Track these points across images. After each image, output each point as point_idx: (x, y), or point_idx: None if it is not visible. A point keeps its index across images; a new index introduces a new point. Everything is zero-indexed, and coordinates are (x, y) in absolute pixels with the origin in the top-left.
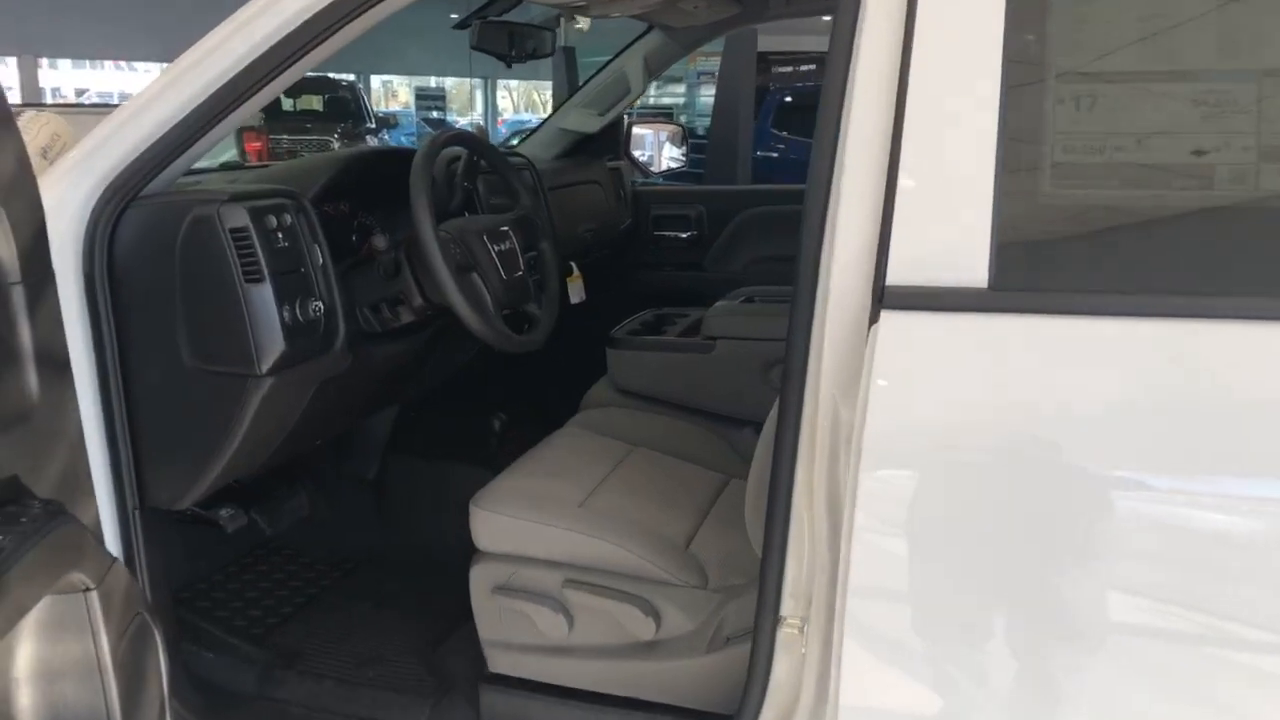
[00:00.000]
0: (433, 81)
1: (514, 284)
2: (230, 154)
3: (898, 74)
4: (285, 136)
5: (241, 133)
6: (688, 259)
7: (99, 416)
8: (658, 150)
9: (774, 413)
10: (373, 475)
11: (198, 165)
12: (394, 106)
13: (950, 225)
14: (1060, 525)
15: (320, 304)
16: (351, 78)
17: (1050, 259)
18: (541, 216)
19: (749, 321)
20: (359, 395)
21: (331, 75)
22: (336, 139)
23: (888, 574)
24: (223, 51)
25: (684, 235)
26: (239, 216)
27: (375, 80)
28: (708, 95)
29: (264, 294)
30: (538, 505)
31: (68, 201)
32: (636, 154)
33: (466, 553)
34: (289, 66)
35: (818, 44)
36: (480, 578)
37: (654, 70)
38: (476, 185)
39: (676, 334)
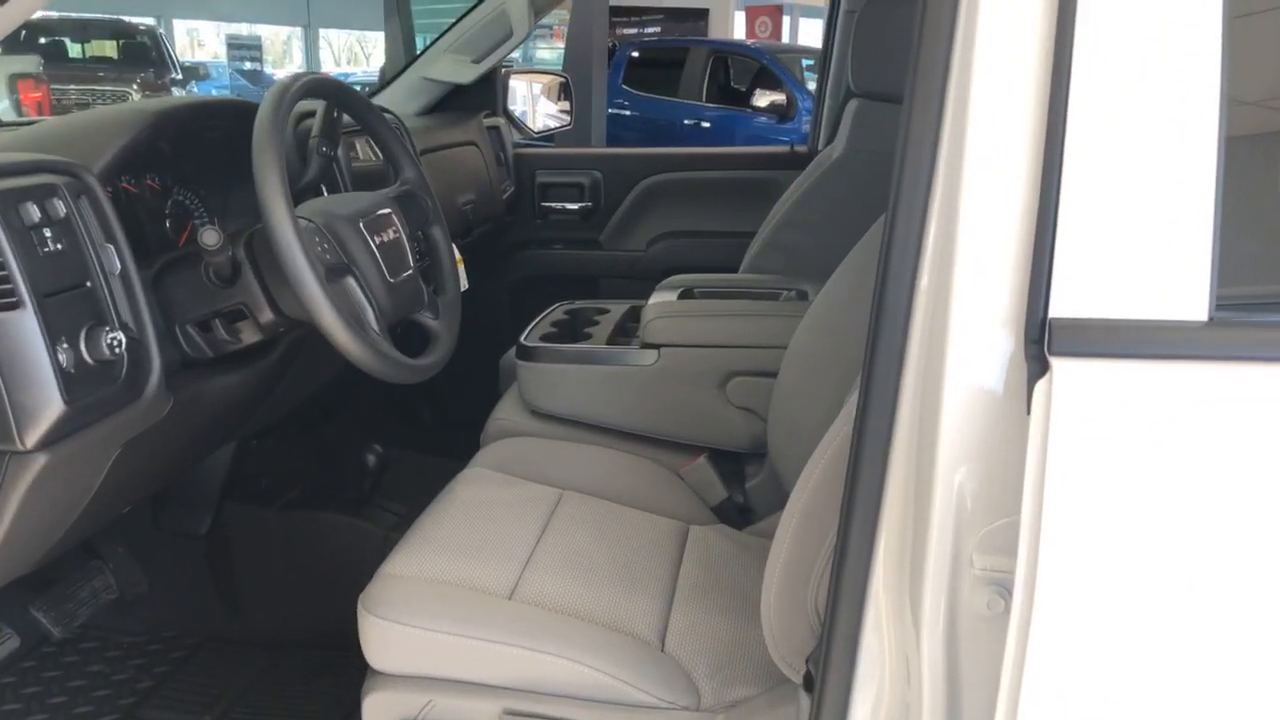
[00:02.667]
0: (245, 30)
1: (403, 288)
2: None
3: (1053, 44)
4: (73, 87)
5: (15, 80)
6: (581, 235)
7: None
8: (536, 105)
9: (809, 475)
10: (204, 530)
11: None
12: (202, 57)
13: (1150, 242)
14: None
15: (120, 335)
16: (151, 21)
17: None
18: (428, 191)
19: (698, 325)
20: (183, 445)
21: (126, 18)
22: (136, 91)
23: None
24: None
25: (575, 207)
26: None
27: (179, 26)
28: (545, 50)
29: (23, 327)
30: (453, 605)
31: None
32: (515, 110)
33: (335, 634)
34: None
35: None
36: (380, 710)
37: (540, 9)
38: (336, 152)
39: (602, 338)
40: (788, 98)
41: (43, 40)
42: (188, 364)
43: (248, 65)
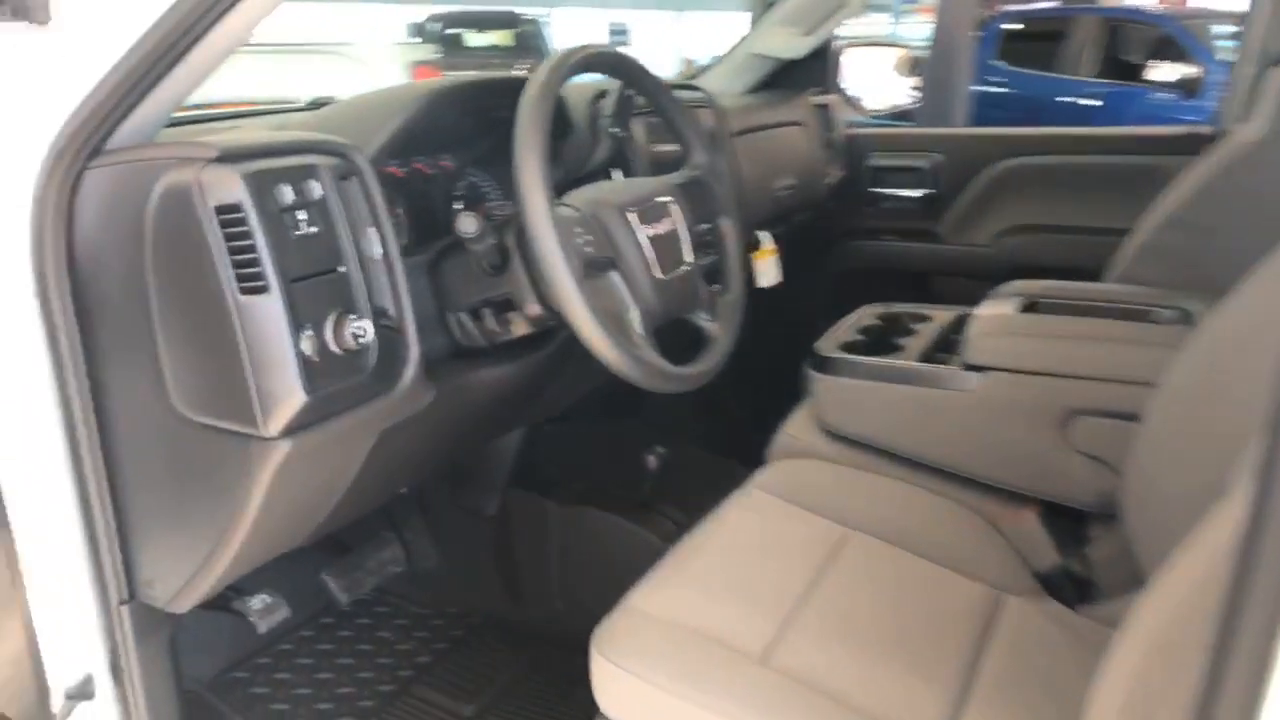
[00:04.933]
0: (618, 16)
1: (675, 286)
2: None
3: None
4: (466, 73)
5: (415, 66)
6: (916, 225)
7: (69, 474)
8: (875, 81)
9: (1181, 558)
10: (493, 511)
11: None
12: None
13: None
14: None
15: (366, 324)
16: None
17: None
18: (722, 178)
19: (1039, 346)
20: (450, 434)
21: (516, 10)
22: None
23: None
24: None
25: (914, 194)
26: (229, 186)
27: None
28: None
29: (269, 311)
30: (694, 661)
31: (7, 160)
32: (850, 87)
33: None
34: None
35: None
36: None
37: None
38: (631, 132)
39: (917, 352)
40: (1195, 70)
41: (447, 31)
42: (459, 353)
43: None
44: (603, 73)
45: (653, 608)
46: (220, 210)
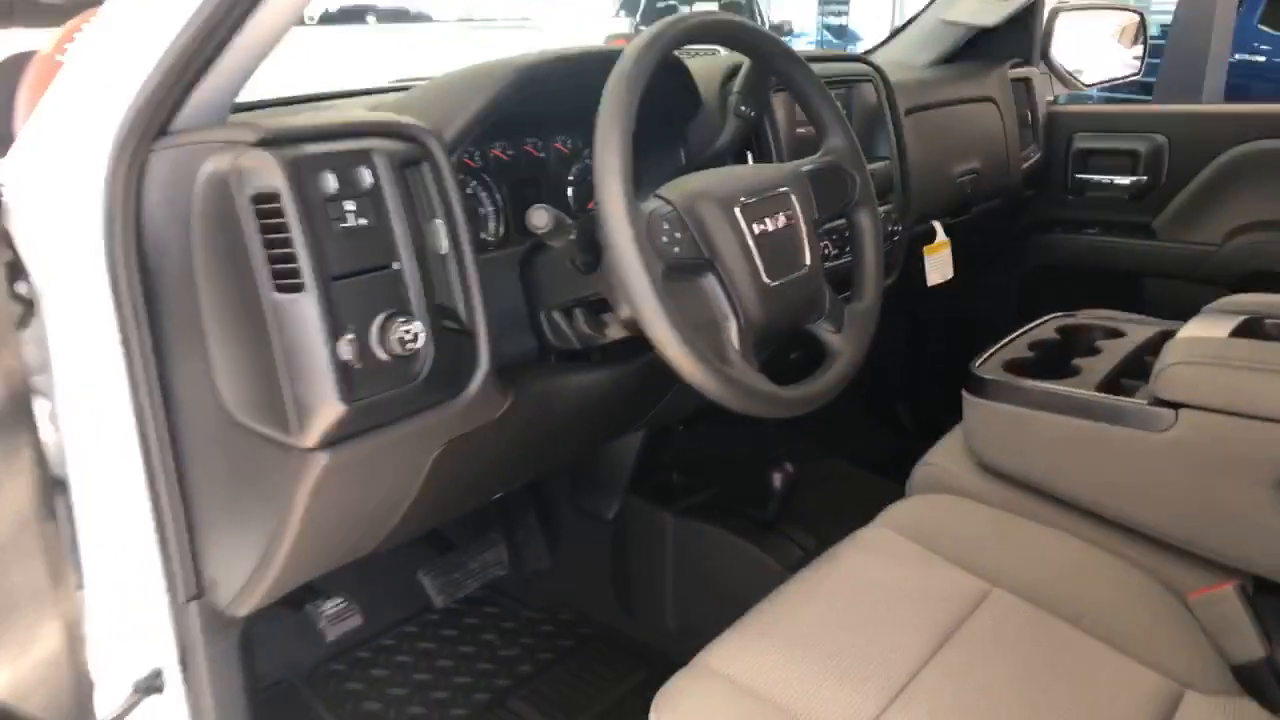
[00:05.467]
0: None
1: (787, 293)
2: None
3: None
4: None
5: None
6: (1128, 218)
7: (140, 467)
8: (1097, 50)
9: None
10: (611, 515)
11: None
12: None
13: None
14: None
15: (417, 327)
16: None
17: None
18: (859, 166)
19: (1254, 382)
20: (541, 443)
21: None
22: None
23: None
24: None
25: (1125, 181)
26: (268, 173)
27: None
28: None
29: (305, 312)
30: None
31: (82, 141)
32: (1061, 57)
33: None
34: None
35: None
36: None
37: None
38: (769, 114)
39: (1099, 377)
40: None
41: (659, 5)
42: (550, 355)
43: (833, 20)
44: (717, 44)
45: (729, 668)
46: (257, 199)
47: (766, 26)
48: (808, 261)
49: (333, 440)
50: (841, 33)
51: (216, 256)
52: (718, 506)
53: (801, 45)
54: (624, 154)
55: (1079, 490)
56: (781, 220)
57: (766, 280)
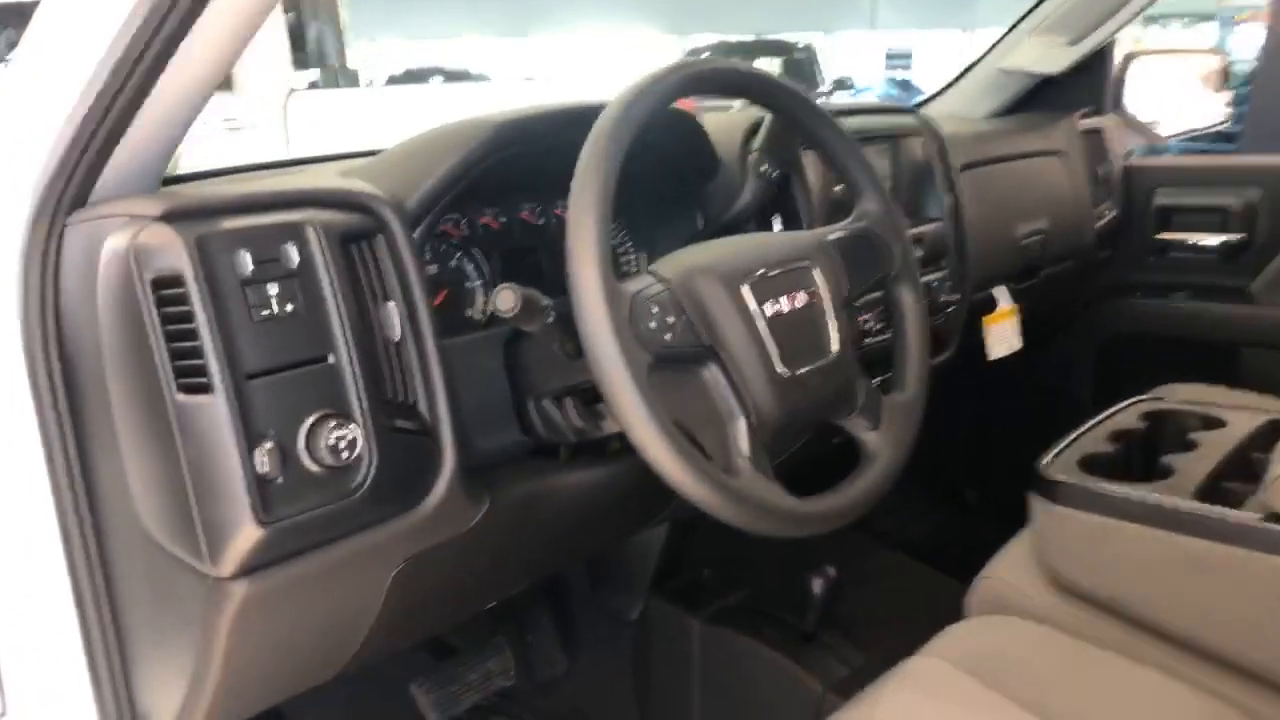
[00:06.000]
0: (901, 38)
1: (807, 385)
2: None
3: None
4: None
5: None
6: (1220, 281)
7: (69, 586)
8: (1175, 98)
9: None
10: (634, 616)
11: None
12: (861, 70)
13: None
14: None
15: (351, 431)
16: (819, 35)
17: None
18: (897, 234)
19: None
20: (536, 549)
21: (791, 38)
22: None
23: None
24: None
25: (1214, 240)
26: (170, 252)
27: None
28: (1245, 35)
29: (212, 417)
30: None
31: None
32: (1135, 107)
33: None
34: None
35: None
36: None
37: None
38: (799, 174)
39: (1196, 480)
40: None
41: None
42: (539, 450)
43: (898, 74)
44: (722, 96)
45: None
46: (157, 283)
47: (826, 82)
48: (834, 347)
49: (250, 568)
50: (906, 87)
51: (122, 349)
52: (751, 611)
53: (864, 100)
54: (600, 223)
55: (1174, 619)
56: (801, 298)
57: (781, 370)
